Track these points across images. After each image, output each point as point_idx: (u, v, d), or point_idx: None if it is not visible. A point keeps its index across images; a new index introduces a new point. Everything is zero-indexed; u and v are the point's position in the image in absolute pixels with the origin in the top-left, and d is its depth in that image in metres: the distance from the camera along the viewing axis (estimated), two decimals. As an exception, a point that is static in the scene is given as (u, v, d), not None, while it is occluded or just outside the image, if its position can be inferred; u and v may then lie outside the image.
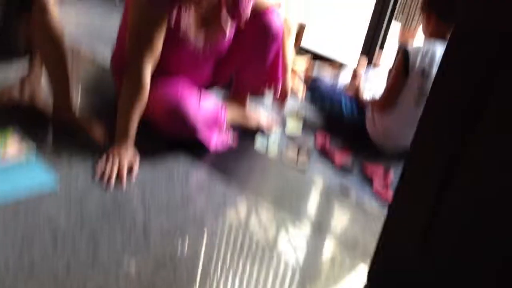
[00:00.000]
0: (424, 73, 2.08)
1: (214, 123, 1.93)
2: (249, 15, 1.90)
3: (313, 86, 2.52)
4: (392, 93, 2.18)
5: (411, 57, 2.10)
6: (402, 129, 2.12)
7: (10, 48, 1.87)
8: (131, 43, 1.76)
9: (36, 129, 1.81)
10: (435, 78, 1.16)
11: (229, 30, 1.92)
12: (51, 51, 1.74)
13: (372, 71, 2.53)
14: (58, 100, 1.82)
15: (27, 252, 1.29)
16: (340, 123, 2.32)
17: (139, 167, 1.70)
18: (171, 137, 1.86)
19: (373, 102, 2.26)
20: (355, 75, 2.51)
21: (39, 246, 1.31)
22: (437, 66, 2.00)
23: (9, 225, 1.36)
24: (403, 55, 2.13)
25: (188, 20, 1.82)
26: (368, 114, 2.25)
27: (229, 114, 2.05)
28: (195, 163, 1.83)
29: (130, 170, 1.67)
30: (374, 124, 2.21)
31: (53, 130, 1.85)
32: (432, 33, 2.18)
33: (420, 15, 2.34)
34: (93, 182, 1.60)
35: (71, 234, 1.38)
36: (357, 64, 2.73)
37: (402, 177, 1.24)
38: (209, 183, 1.74)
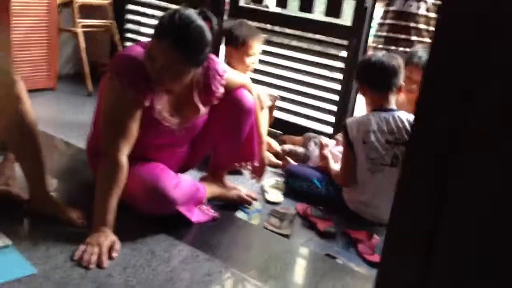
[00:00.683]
0: (364, 141, 2.16)
1: (194, 197, 1.92)
2: (221, 93, 1.96)
3: (287, 172, 2.52)
4: (346, 166, 2.25)
5: (349, 129, 2.19)
6: (372, 199, 2.16)
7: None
8: (106, 128, 1.78)
9: (12, 217, 1.77)
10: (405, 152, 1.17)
11: (203, 108, 1.97)
12: (25, 139, 1.74)
13: (336, 147, 2.61)
14: (33, 186, 1.80)
15: None
16: (319, 199, 2.33)
17: (120, 250, 1.66)
18: (151, 216, 1.84)
19: (336, 176, 2.32)
20: (322, 147, 2.57)
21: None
22: (373, 133, 2.13)
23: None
24: (344, 129, 2.22)
25: (162, 101, 1.86)
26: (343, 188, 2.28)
27: (208, 189, 2.05)
28: (177, 241, 1.80)
29: (110, 255, 1.62)
30: (348, 197, 2.24)
31: (29, 218, 1.81)
32: (371, 103, 2.27)
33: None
34: (72, 268, 1.55)
35: (51, 322, 1.31)
36: (322, 139, 2.78)
37: (386, 243, 1.22)
38: (192, 259, 1.70)
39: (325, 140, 2.60)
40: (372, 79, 2.22)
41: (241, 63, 2.52)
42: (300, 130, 3.10)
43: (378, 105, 2.22)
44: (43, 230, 1.73)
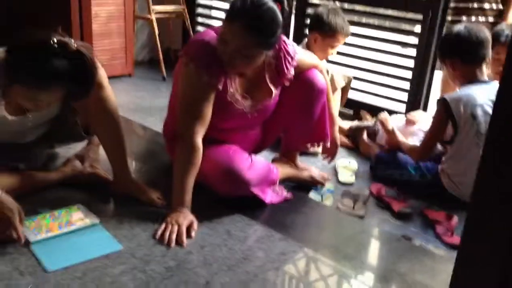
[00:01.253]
0: (474, 116, 2.06)
1: (267, 178, 1.95)
2: (293, 75, 1.96)
3: (378, 159, 2.42)
4: (433, 142, 2.19)
5: (453, 106, 2.09)
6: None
7: (71, 135, 2.01)
8: (182, 112, 1.84)
9: (98, 198, 1.89)
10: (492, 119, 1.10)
11: (275, 90, 1.98)
12: (107, 123, 1.85)
13: (406, 128, 2.51)
14: (116, 169, 1.91)
15: (96, 316, 1.31)
16: (408, 185, 2.23)
17: (198, 230, 1.73)
18: (226, 197, 1.89)
19: (411, 150, 2.25)
20: (382, 123, 2.48)
21: (107, 309, 1.34)
22: (480, 107, 2.03)
23: (73, 287, 1.40)
24: (444, 105, 2.12)
25: (235, 84, 1.89)
26: (440, 168, 2.19)
27: (280, 170, 2.07)
28: (252, 221, 1.84)
29: (188, 234, 1.70)
30: (447, 177, 2.16)
31: (114, 198, 1.92)
32: (462, 78, 2.17)
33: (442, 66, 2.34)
34: (154, 246, 1.63)
35: (137, 295, 1.40)
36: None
37: (467, 224, 1.17)
38: (267, 239, 1.74)
39: (383, 115, 2.51)
40: (465, 51, 2.12)
41: (322, 51, 2.50)
42: (373, 110, 3.04)
43: (471, 78, 2.13)
44: (126, 209, 1.83)
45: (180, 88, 1.86)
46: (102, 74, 1.79)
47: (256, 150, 2.18)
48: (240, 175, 1.84)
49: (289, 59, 1.94)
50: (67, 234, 1.63)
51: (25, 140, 1.93)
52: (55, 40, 1.53)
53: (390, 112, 2.87)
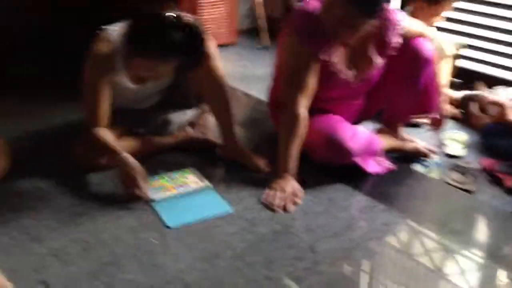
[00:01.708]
0: None
1: (370, 148, 1.96)
2: (397, 44, 1.92)
3: (487, 131, 2.32)
4: None
5: None
6: None
7: (183, 102, 2.15)
8: (286, 82, 1.88)
9: (208, 162, 2.02)
10: None
11: (379, 60, 1.95)
12: (216, 91, 1.95)
13: None
14: (224, 135, 2.02)
15: (212, 269, 1.43)
16: None
17: (301, 196, 1.79)
18: (329, 165, 1.93)
19: None
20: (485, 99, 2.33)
21: (222, 263, 1.46)
22: None
23: (193, 244, 1.53)
24: None
25: (339, 54, 1.89)
26: None
27: (384, 141, 2.06)
28: (354, 191, 1.87)
29: (293, 200, 1.76)
30: None
31: (223, 163, 2.04)
32: None
33: None
34: (261, 210, 1.72)
35: (247, 253, 1.50)
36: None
37: None
38: (369, 209, 1.76)
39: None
40: None
41: (427, 19, 2.41)
42: (486, 80, 2.87)
43: None
44: (234, 174, 1.94)
45: (283, 59, 1.90)
46: (212, 44, 1.88)
47: (359, 120, 2.18)
48: (343, 144, 1.86)
49: (394, 28, 1.90)
50: (183, 195, 1.77)
51: (144, 106, 2.09)
52: (171, 14, 1.64)
53: (508, 83, 2.71)
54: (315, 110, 1.92)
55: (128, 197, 1.71)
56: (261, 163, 1.97)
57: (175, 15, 1.65)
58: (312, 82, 1.83)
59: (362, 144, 1.92)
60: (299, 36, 1.80)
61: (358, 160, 1.91)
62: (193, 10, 2.73)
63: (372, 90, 2.07)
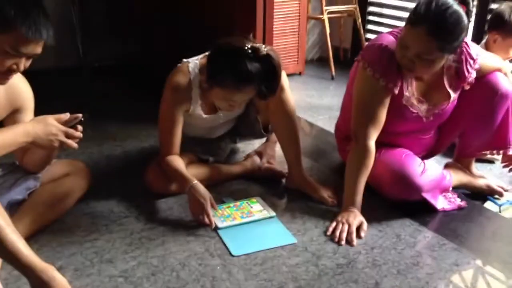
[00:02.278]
0: None
1: (439, 185, 1.91)
2: (473, 78, 1.88)
3: None
4: None
5: None
6: None
7: (251, 132, 2.19)
8: (356, 114, 1.88)
9: (274, 192, 2.04)
10: None
11: (453, 94, 1.91)
12: (285, 123, 1.98)
13: None
14: (291, 166, 2.04)
15: (274, 301, 1.44)
16: None
17: (367, 231, 1.77)
18: (396, 200, 1.90)
19: None
20: None
21: (284, 297, 1.46)
22: None
23: (257, 273, 1.55)
24: None
25: (411, 88, 1.87)
26: None
27: (454, 177, 2.01)
28: (422, 227, 1.82)
29: (358, 234, 1.75)
30: None
31: (288, 193, 2.05)
32: None
33: None
34: (326, 242, 1.72)
35: (311, 285, 1.50)
36: None
37: None
38: (438, 247, 1.71)
39: None
40: None
41: (503, 51, 2.34)
42: None
43: None
44: (299, 205, 1.95)
45: (356, 91, 1.91)
46: (284, 77, 1.92)
47: (428, 154, 2.14)
48: (413, 180, 1.83)
49: (471, 62, 1.86)
50: (248, 224, 1.80)
51: (214, 135, 2.16)
52: (249, 46, 1.70)
53: None
54: (382, 143, 1.90)
55: (196, 223, 1.76)
56: (327, 195, 1.96)
57: (252, 46, 1.71)
58: (382, 115, 1.83)
59: (432, 180, 1.88)
60: (373, 69, 1.81)
61: (428, 196, 1.87)
62: (264, 40, 2.80)
63: (445, 124, 2.03)
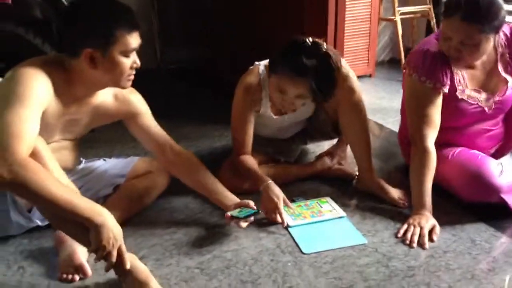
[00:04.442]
0: None
1: None
2: None
3: None
4: None
5: None
6: None
7: (322, 133, 2.23)
8: (411, 119, 1.91)
9: (344, 192, 2.06)
10: None
11: (511, 79, 1.88)
12: (355, 125, 2.00)
13: None
14: (361, 167, 2.06)
15: (344, 299, 1.46)
16: None
17: (440, 235, 1.75)
18: (473, 202, 1.86)
19: None
20: None
21: (354, 295, 1.48)
22: None
23: (327, 272, 1.58)
24: None
25: (465, 81, 1.87)
26: None
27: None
28: (498, 233, 1.77)
29: (430, 237, 1.73)
30: None
31: (358, 194, 2.06)
32: None
33: None
34: (397, 243, 1.72)
35: (381, 286, 1.51)
36: None
37: None
38: (516, 253, 1.66)
39: None
40: None
41: None
42: None
43: None
44: (369, 206, 1.96)
45: (407, 98, 1.96)
46: (354, 78, 1.94)
47: (500, 150, 2.07)
48: (490, 180, 1.79)
49: None
50: (318, 223, 1.83)
51: (285, 136, 2.21)
52: (310, 41, 1.73)
53: None
54: (452, 143, 1.91)
55: (268, 220, 1.82)
56: (397, 196, 1.96)
57: (314, 42, 1.75)
58: (436, 115, 1.85)
59: (509, 180, 1.82)
60: (418, 74, 1.85)
61: (508, 198, 1.81)
62: (336, 42, 2.83)
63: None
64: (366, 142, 2.02)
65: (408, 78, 1.91)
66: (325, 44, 1.78)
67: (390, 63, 4.18)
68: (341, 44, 2.92)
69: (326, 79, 1.76)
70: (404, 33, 3.79)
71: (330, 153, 2.23)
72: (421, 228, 1.74)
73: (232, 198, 1.78)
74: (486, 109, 1.90)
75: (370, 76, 3.82)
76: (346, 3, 2.88)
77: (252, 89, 1.92)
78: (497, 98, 1.90)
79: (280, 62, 1.78)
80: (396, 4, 3.63)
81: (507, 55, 1.87)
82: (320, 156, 2.24)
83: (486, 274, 1.56)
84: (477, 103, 1.88)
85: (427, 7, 3.74)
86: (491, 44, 1.77)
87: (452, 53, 1.78)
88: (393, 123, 2.84)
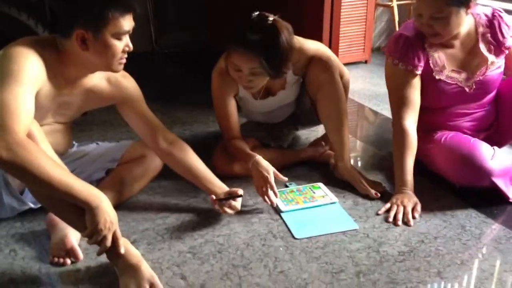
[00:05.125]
0: None
1: (509, 172, 1.85)
2: (510, 40, 1.90)
3: None
4: None
5: None
6: None
7: (310, 119, 2.20)
8: (391, 101, 1.99)
9: (335, 178, 2.06)
10: None
11: (492, 57, 1.91)
12: (330, 108, 1.97)
13: None
14: (336, 154, 2.04)
15: (336, 282, 1.47)
16: None
17: (431, 220, 1.77)
18: (465, 186, 1.87)
19: None
20: None
21: (346, 278, 1.49)
22: None
23: (318, 257, 1.59)
24: None
25: (442, 61, 1.90)
26: None
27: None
28: (489, 219, 1.78)
29: (412, 215, 1.77)
30: None
31: (341, 180, 2.04)
32: None
33: None
34: (388, 229, 1.73)
35: (372, 271, 1.52)
36: None
37: None
38: (506, 240, 1.67)
39: None
40: None
41: None
42: None
43: None
44: (357, 192, 1.96)
45: (386, 81, 2.01)
46: (334, 66, 1.94)
47: (495, 140, 2.05)
48: (482, 163, 1.79)
49: (506, 27, 1.90)
50: (310, 208, 1.84)
51: (275, 120, 2.21)
52: (255, 14, 1.75)
53: None
54: (440, 126, 1.97)
55: (261, 195, 1.83)
56: (371, 187, 1.92)
57: (259, 15, 1.75)
58: (414, 96, 1.91)
59: (504, 166, 1.82)
60: (392, 57, 1.91)
61: (499, 182, 1.82)
62: (331, 27, 2.83)
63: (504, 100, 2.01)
64: (341, 131, 1.98)
65: (386, 62, 1.97)
66: (273, 17, 1.76)
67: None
68: (337, 29, 2.91)
69: (274, 52, 1.74)
70: (401, 19, 3.77)
71: (323, 138, 2.23)
72: (404, 207, 1.78)
73: (221, 186, 1.78)
74: (466, 89, 1.92)
75: (365, 62, 3.81)
76: (343, -12, 2.87)
77: (224, 72, 1.91)
78: (477, 78, 1.92)
79: (229, 39, 1.78)
80: (393, -10, 3.61)
81: (489, 35, 1.90)
82: (313, 142, 2.24)
83: (475, 259, 1.58)
84: (456, 83, 1.92)
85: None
86: (463, 19, 1.81)
87: (425, 30, 1.83)
88: (388, 110, 2.78)
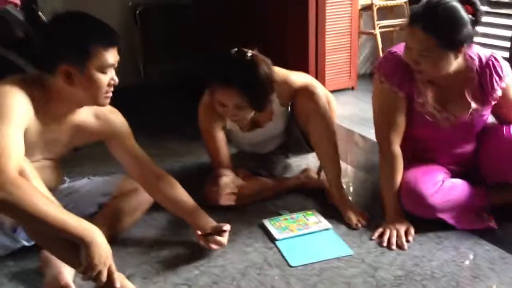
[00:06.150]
0: None
1: (466, 203, 1.85)
2: (499, 96, 1.84)
3: None
4: None
5: None
6: None
7: (300, 147, 2.24)
8: (376, 123, 1.95)
9: (328, 204, 2.06)
10: None
11: (475, 105, 1.84)
12: (321, 138, 2.00)
13: None
14: (329, 181, 2.05)
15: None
16: None
17: (425, 243, 1.78)
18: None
19: None
20: None
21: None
22: None
23: (314, 284, 1.58)
24: None
25: (426, 95, 1.84)
26: None
27: (494, 196, 1.93)
28: (482, 240, 1.80)
29: (406, 238, 1.78)
30: None
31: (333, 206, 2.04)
32: None
33: None
34: (383, 253, 1.73)
35: (368, 298, 1.52)
36: None
37: None
38: (500, 260, 1.68)
39: None
40: None
41: None
42: None
43: None
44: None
45: (372, 100, 1.97)
46: (320, 93, 1.98)
47: (473, 173, 1.99)
48: (424, 200, 1.81)
49: (496, 78, 1.82)
50: (305, 235, 1.84)
51: (265, 150, 2.23)
52: (234, 51, 1.78)
53: None
54: (416, 154, 1.94)
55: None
56: (354, 218, 1.91)
57: (238, 51, 1.79)
58: (399, 119, 1.87)
59: (450, 200, 1.83)
60: (379, 74, 1.87)
61: (444, 216, 1.83)
62: (317, 56, 2.88)
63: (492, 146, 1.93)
64: (334, 158, 2.01)
65: (374, 80, 1.93)
66: (251, 51, 1.80)
67: (372, 76, 4.22)
68: (323, 58, 2.96)
69: (254, 86, 1.78)
70: (384, 46, 3.85)
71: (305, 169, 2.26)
72: (397, 230, 1.79)
73: (208, 221, 1.75)
74: (443, 128, 1.88)
75: (352, 89, 3.86)
76: (327, 17, 2.92)
77: (210, 106, 1.95)
78: (457, 120, 1.87)
79: (210, 76, 1.81)
80: (376, 18, 3.69)
81: (476, 82, 1.83)
82: (306, 170, 2.26)
83: (471, 281, 1.58)
84: (435, 121, 1.87)
85: (406, 20, 3.80)
86: (452, 62, 1.73)
87: (412, 64, 1.76)
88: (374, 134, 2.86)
